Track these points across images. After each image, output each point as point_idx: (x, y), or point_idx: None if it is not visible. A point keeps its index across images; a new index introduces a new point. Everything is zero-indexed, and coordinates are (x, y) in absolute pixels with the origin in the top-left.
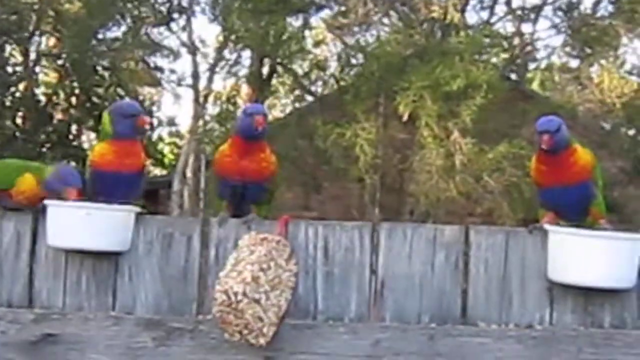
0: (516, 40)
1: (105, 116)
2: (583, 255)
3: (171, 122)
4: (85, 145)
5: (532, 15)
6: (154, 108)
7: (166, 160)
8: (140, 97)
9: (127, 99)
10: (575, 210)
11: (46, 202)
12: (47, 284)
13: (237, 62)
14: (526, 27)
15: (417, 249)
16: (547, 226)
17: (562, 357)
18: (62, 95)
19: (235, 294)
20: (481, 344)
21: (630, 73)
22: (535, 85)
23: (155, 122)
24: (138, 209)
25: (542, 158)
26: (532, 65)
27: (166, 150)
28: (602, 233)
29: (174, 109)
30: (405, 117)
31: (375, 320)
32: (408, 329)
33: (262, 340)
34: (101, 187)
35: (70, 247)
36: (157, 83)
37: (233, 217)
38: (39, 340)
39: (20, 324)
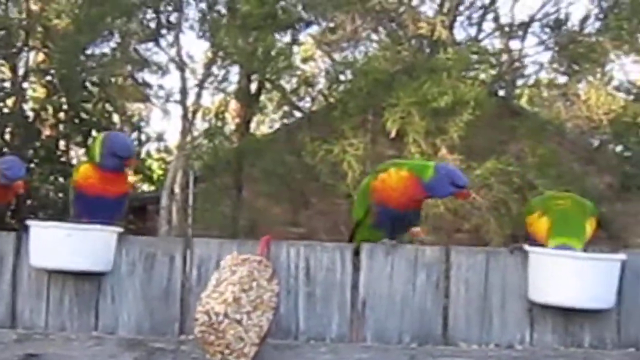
0: (504, 57)
1: (98, 143)
2: (562, 276)
3: (160, 138)
4: (74, 162)
5: (520, 32)
6: (143, 124)
7: (154, 176)
8: (129, 113)
9: (121, 135)
10: None
11: (28, 222)
12: (29, 304)
13: (225, 78)
14: (514, 44)
15: (398, 269)
16: (527, 247)
17: None
18: (50, 111)
19: (217, 314)
20: None
21: (617, 90)
22: (523, 102)
23: (143, 137)
24: (120, 230)
25: None
26: (520, 82)
27: (154, 166)
28: (580, 254)
29: (162, 125)
30: (393, 134)
31: (355, 341)
32: (389, 348)
33: None
34: (84, 209)
35: (53, 267)
36: (145, 99)
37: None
38: None
39: (3, 344)
